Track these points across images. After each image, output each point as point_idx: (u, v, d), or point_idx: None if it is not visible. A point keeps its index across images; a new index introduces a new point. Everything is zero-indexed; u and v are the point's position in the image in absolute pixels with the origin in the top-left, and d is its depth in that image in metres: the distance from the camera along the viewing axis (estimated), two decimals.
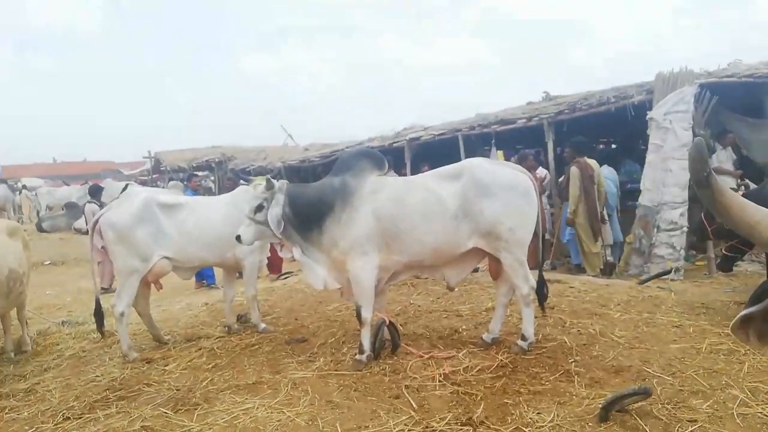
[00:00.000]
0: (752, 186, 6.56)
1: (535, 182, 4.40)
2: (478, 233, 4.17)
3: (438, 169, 4.46)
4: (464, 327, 4.99)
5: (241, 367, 4.41)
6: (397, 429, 3.24)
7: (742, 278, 6.55)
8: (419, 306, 5.74)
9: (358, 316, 4.26)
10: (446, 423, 3.27)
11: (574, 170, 7.52)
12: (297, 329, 5.32)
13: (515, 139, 12.10)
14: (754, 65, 7.95)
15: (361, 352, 4.23)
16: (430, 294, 6.22)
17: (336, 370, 4.15)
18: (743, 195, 4.98)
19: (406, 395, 3.65)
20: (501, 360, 4.09)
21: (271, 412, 3.55)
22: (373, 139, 12.83)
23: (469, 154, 9.62)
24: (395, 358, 4.30)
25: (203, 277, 8.66)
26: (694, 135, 7.34)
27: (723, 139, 8.03)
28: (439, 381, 3.82)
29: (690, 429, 3.02)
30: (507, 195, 4.14)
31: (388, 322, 4.38)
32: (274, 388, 3.91)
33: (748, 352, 4.01)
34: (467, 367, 4.01)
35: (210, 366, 4.50)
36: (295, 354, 4.60)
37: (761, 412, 3.15)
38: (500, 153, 10.44)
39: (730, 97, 7.95)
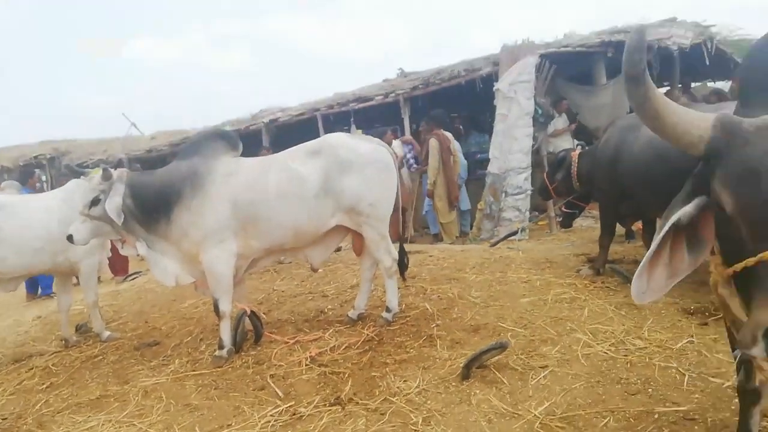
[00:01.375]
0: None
1: (394, 156, 4.40)
2: (341, 210, 4.09)
3: (295, 147, 4.29)
4: (330, 307, 4.92)
5: (82, 383, 3.97)
6: (262, 422, 3.09)
7: (579, 233, 7.15)
8: (283, 291, 5.58)
9: (216, 309, 4.01)
10: (314, 406, 3.18)
11: (433, 142, 7.73)
12: (148, 333, 4.91)
13: (373, 117, 12.25)
14: (586, 36, 8.63)
15: (221, 347, 4.00)
16: (294, 278, 6.07)
17: (194, 371, 3.88)
18: (580, 154, 5.49)
19: (272, 385, 3.51)
20: (367, 334, 4.08)
21: (120, 427, 3.22)
22: (228, 123, 12.28)
23: None
24: (259, 348, 4.13)
25: (36, 287, 7.75)
26: (536, 103, 7.88)
27: (559, 106, 8.67)
28: (306, 365, 3.73)
29: (542, 374, 3.21)
30: (368, 170, 4.07)
31: (249, 312, 4.17)
32: (122, 401, 3.56)
33: (587, 298, 4.38)
34: (334, 346, 3.95)
35: (44, 386, 4.00)
36: (146, 360, 4.24)
37: (602, 351, 3.43)
38: (359, 132, 10.52)
39: (566, 67, 8.59)
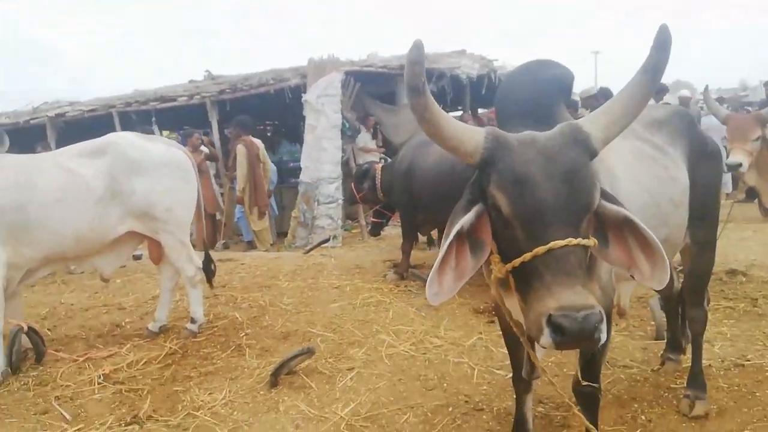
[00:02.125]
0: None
1: (194, 159, 4.22)
2: (132, 215, 3.79)
3: (75, 145, 3.87)
4: (128, 320, 4.53)
5: None
6: None
7: (388, 240, 7.56)
8: (72, 304, 4.98)
9: None
10: (107, 427, 2.91)
11: (240, 148, 7.57)
12: None
13: (180, 118, 11.61)
14: (388, 58, 9.18)
15: None
16: (85, 289, 5.46)
17: None
18: (382, 167, 5.83)
19: (57, 407, 3.12)
20: (170, 348, 3.84)
21: None
22: (2, 115, 10.63)
23: None
24: (41, 368, 3.64)
25: None
26: (343, 117, 8.17)
27: (366, 122, 9.11)
28: (99, 383, 3.38)
29: (349, 376, 3.33)
30: (161, 172, 3.84)
31: (26, 328, 3.65)
32: None
33: (392, 301, 4.66)
34: (132, 362, 3.65)
35: None
36: None
37: (404, 350, 3.67)
38: (167, 134, 9.90)
39: (371, 85, 9.06)
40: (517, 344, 2.38)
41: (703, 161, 2.64)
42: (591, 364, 2.13)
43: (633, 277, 1.64)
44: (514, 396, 2.55)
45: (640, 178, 2.28)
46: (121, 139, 3.90)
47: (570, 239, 1.42)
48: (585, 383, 2.09)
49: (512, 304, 1.71)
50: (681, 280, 3.13)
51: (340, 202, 7.98)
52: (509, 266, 1.51)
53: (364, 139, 9.03)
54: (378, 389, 3.17)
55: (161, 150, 3.93)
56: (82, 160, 3.69)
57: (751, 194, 7.50)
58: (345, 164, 8.38)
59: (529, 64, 2.07)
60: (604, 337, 1.37)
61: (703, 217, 2.65)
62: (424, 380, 3.25)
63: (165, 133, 10.36)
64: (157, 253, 4.09)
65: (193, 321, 4.10)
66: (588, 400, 2.12)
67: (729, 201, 8.03)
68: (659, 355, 3.34)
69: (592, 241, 1.50)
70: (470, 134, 1.55)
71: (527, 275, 1.46)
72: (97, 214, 3.65)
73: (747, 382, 2.97)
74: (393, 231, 7.81)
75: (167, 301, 4.25)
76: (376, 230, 6.63)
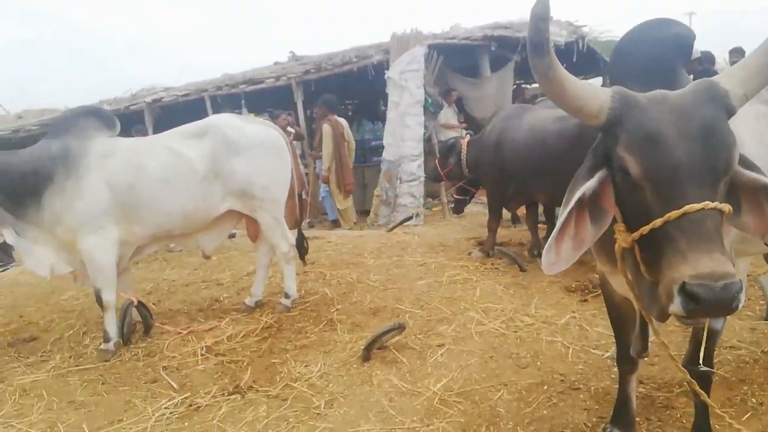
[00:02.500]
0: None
1: (287, 138, 4.32)
2: (232, 194, 3.95)
3: (179, 127, 4.07)
4: (226, 295, 4.77)
5: None
6: (157, 414, 2.94)
7: (470, 218, 7.48)
8: (174, 280, 5.31)
9: (99, 300, 3.74)
10: (212, 396, 3.08)
11: (326, 128, 7.67)
12: (23, 327, 4.45)
13: (266, 101, 11.94)
14: (471, 29, 8.96)
15: (107, 340, 3.73)
16: (185, 266, 5.80)
17: (77, 366, 3.59)
18: (468, 142, 5.73)
19: (165, 377, 3.34)
20: (266, 321, 4.01)
21: None
22: (105, 102, 11.37)
23: None
24: (149, 339, 3.90)
25: None
26: (426, 93, 8.08)
27: (448, 97, 8.96)
28: (202, 355, 3.59)
29: (440, 352, 3.34)
30: (258, 152, 3.97)
31: (136, 302, 3.93)
32: None
33: (479, 279, 4.61)
34: (231, 335, 3.84)
35: None
36: (22, 356, 3.85)
37: (494, 328, 3.63)
38: (252, 115, 10.21)
39: (453, 58, 8.88)
40: (624, 322, 2.29)
41: None
42: (708, 343, 2.02)
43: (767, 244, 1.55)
44: (615, 376, 2.46)
45: (767, 141, 2.10)
46: (220, 121, 4.06)
47: (707, 202, 1.33)
48: (697, 364, 1.99)
49: (633, 275, 1.61)
50: None
51: (422, 179, 7.94)
52: (637, 234, 1.44)
53: (446, 115, 8.89)
54: (469, 366, 3.16)
55: (258, 130, 4.06)
56: (187, 141, 3.87)
57: None
58: (427, 141, 8.31)
59: (650, 22, 1.93)
60: (740, 306, 1.29)
61: None
62: (517, 358, 3.21)
63: (251, 114, 10.68)
64: (255, 231, 4.25)
65: (287, 296, 4.24)
66: (700, 381, 2.01)
67: None
68: None
69: (728, 207, 1.39)
70: (596, 93, 1.48)
71: (658, 243, 1.38)
72: (201, 193, 3.83)
73: None
74: (474, 209, 7.72)
75: (263, 277, 4.42)
76: (459, 208, 6.57)
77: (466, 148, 5.71)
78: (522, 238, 5.91)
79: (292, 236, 4.24)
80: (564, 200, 1.57)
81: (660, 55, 1.78)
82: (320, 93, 8.81)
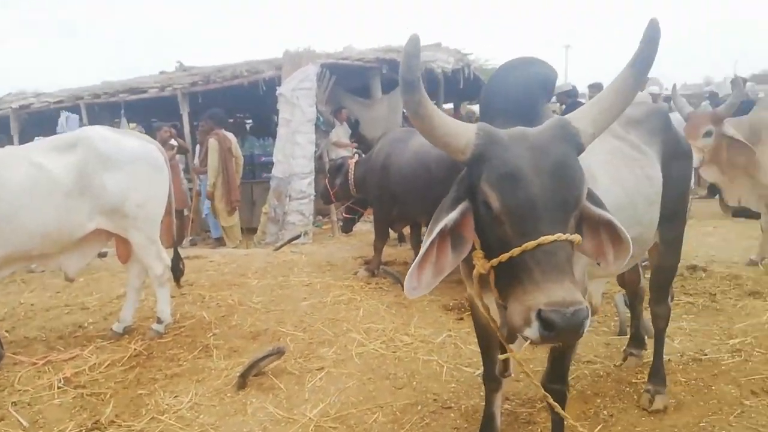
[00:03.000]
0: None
1: (166, 154, 4.12)
2: (102, 212, 3.69)
3: (46, 139, 3.76)
4: (91, 321, 4.41)
5: None
6: None
7: (359, 236, 7.52)
8: (33, 305, 4.83)
9: None
10: None
11: (212, 142, 7.42)
12: None
13: (149, 111, 11.38)
14: (364, 51, 9.12)
15: None
16: (47, 289, 5.30)
17: None
18: (356, 162, 5.80)
19: (14, 414, 3.01)
20: (135, 349, 3.75)
21: None
22: None
23: None
24: None
25: None
26: (318, 111, 8.08)
27: (339, 115, 9.03)
28: (59, 387, 3.28)
29: (319, 376, 3.30)
30: (133, 167, 3.74)
31: None
32: None
33: (363, 299, 4.64)
34: (94, 365, 3.55)
35: None
36: None
37: (374, 349, 3.65)
38: (133, 126, 9.67)
39: (346, 78, 8.98)
40: (489, 342, 2.39)
41: (676, 161, 2.68)
42: (560, 362, 2.16)
43: (598, 264, 1.69)
44: (483, 394, 2.55)
45: (618, 176, 2.30)
46: (94, 133, 3.77)
47: (559, 234, 1.43)
48: (553, 381, 2.12)
49: (491, 300, 1.71)
50: (646, 275, 3.18)
51: (312, 197, 7.90)
52: (495, 261, 1.51)
53: (338, 133, 8.95)
54: (347, 389, 3.15)
55: (134, 144, 3.83)
56: (53, 154, 3.57)
57: (713, 190, 7.66)
58: (318, 159, 8.30)
59: (515, 62, 2.06)
60: (585, 332, 1.38)
61: (673, 216, 2.68)
62: (394, 379, 3.24)
63: (132, 125, 10.11)
64: (125, 251, 4.00)
65: (159, 321, 4.01)
66: (556, 396, 2.13)
67: (691, 197, 8.05)
68: (622, 350, 3.39)
69: (577, 238, 1.50)
70: (462, 130, 1.56)
71: (514, 271, 1.46)
72: (65, 210, 3.53)
73: (704, 376, 3.05)
74: (364, 227, 7.80)
75: (133, 301, 4.15)
76: (347, 226, 6.59)
77: (353, 168, 5.77)
78: (407, 257, 6.04)
79: (167, 257, 4.03)
80: (428, 229, 1.63)
81: (523, 93, 1.90)
82: (208, 106, 8.53)
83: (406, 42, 1.50)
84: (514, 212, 1.46)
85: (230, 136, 7.73)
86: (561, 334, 1.35)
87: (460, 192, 1.63)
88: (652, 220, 2.51)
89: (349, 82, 9.26)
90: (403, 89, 1.51)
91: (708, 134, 4.72)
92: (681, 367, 3.18)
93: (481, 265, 1.59)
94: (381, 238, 5.47)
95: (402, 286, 4.81)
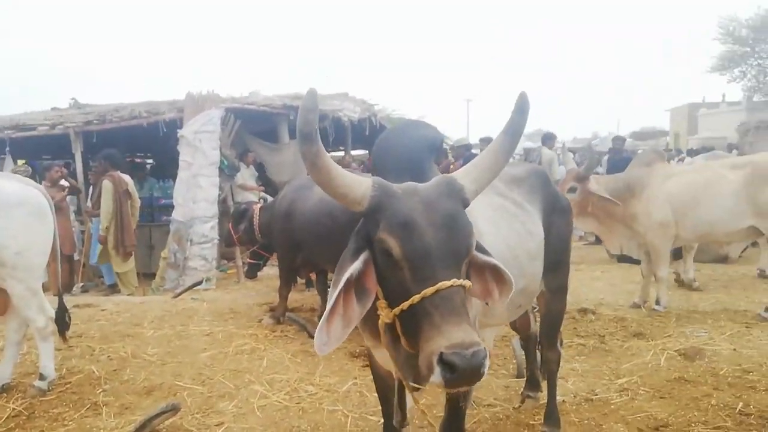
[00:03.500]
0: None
1: (50, 198, 3.88)
2: None
3: None
4: None
5: None
6: None
7: (265, 281, 7.38)
8: None
9: None
10: None
11: (106, 184, 7.08)
12: None
13: (40, 147, 10.69)
14: (270, 97, 9.17)
15: None
16: None
17: None
18: (261, 208, 5.75)
19: None
20: (13, 409, 3.43)
21: None
22: None
23: None
24: None
25: None
26: (221, 155, 7.96)
27: (245, 158, 8.94)
28: None
29: None
30: (11, 213, 3.49)
31: None
32: None
33: (267, 348, 4.53)
34: None
35: None
36: None
37: (277, 401, 3.56)
38: (22, 163, 8.99)
39: (252, 122, 8.94)
40: (388, 392, 2.43)
41: (556, 216, 2.91)
42: (458, 408, 2.23)
43: (487, 304, 1.83)
44: None
45: (501, 231, 2.45)
46: None
47: (455, 280, 1.52)
48: (450, 430, 2.18)
49: (383, 352, 1.76)
50: (537, 321, 3.38)
51: (216, 241, 7.69)
52: (397, 310, 1.57)
53: (244, 176, 8.84)
54: None
55: (14, 188, 3.58)
56: None
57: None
58: (222, 202, 8.13)
59: (402, 125, 2.20)
60: (486, 371, 1.45)
61: (557, 266, 2.90)
62: None
63: (20, 162, 9.41)
64: (3, 302, 3.67)
65: (42, 377, 3.69)
66: None
67: (581, 243, 8.83)
68: (520, 393, 3.54)
69: (469, 283, 1.60)
70: (358, 183, 1.63)
71: (415, 317, 1.52)
72: None
73: (595, 416, 3.24)
74: (270, 271, 7.66)
75: (12, 356, 3.80)
76: (252, 272, 6.44)
77: (258, 213, 5.71)
78: (314, 303, 5.99)
79: (50, 308, 3.75)
80: (333, 281, 1.67)
81: (411, 152, 2.04)
82: (105, 145, 8.16)
83: (304, 96, 1.58)
84: (413, 258, 1.54)
85: (126, 177, 7.41)
86: (462, 375, 1.40)
87: (360, 243, 1.69)
88: (535, 272, 2.69)
89: (255, 125, 9.23)
90: (301, 141, 1.57)
91: (572, 190, 5.29)
92: (574, 407, 3.35)
93: (385, 314, 1.64)
94: (286, 285, 5.41)
95: (308, 333, 4.83)
